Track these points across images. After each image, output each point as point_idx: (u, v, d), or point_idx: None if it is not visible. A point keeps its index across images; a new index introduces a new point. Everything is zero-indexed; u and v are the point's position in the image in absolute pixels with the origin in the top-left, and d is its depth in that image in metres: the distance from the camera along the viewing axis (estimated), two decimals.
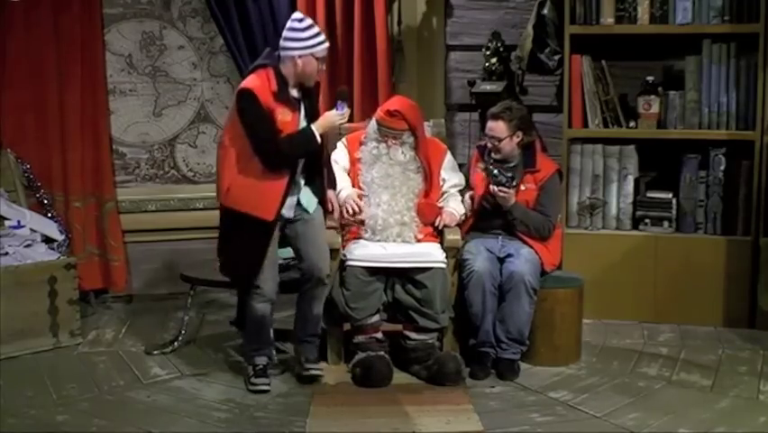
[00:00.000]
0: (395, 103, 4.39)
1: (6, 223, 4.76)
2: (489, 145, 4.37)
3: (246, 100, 3.91)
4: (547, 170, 4.41)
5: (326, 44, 4.01)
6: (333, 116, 4.04)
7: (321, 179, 4.19)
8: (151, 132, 5.49)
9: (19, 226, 4.75)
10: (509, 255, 4.27)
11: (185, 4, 5.41)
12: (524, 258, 4.24)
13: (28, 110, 5.05)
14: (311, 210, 4.13)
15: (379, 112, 4.35)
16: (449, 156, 4.54)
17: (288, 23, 3.99)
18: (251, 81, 3.95)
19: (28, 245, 4.69)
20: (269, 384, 4.07)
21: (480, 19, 5.28)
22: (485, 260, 4.23)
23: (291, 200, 4.06)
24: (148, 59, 5.42)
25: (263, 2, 5.11)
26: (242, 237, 4.01)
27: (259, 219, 3.95)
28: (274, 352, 4.22)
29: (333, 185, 4.31)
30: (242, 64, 5.17)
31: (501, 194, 4.25)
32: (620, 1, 4.79)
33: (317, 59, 3.96)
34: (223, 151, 4.03)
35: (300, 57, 3.92)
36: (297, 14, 4.05)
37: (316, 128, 3.98)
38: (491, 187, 4.28)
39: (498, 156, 4.37)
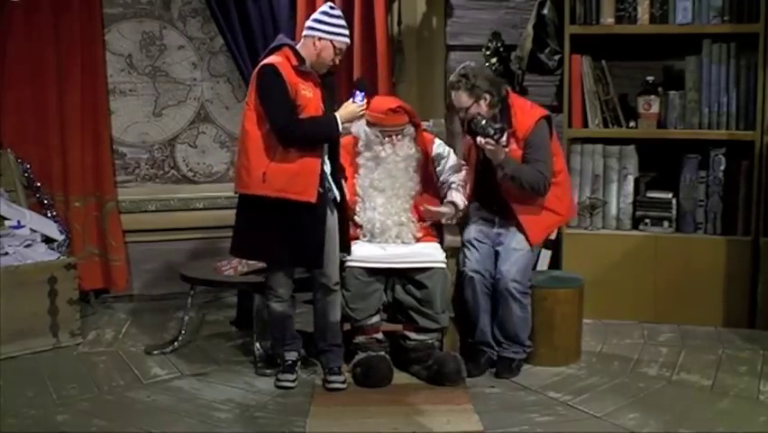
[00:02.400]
0: (387, 102, 4.38)
1: (6, 223, 4.75)
2: (461, 116, 4.21)
3: (268, 75, 3.89)
4: (527, 125, 4.17)
5: (347, 39, 4.02)
6: (353, 107, 3.99)
7: (341, 173, 4.17)
8: (151, 132, 5.49)
9: (19, 226, 4.75)
10: (501, 246, 4.21)
11: (185, 4, 5.41)
12: (512, 259, 4.18)
13: (28, 110, 5.05)
14: (338, 198, 4.07)
15: (375, 114, 4.28)
16: (437, 142, 4.53)
17: (321, 8, 4.05)
18: (270, 59, 3.96)
19: (28, 245, 4.69)
20: (294, 381, 4.09)
21: (480, 19, 5.27)
22: (478, 260, 4.20)
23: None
24: (148, 59, 5.42)
25: (263, 2, 5.11)
26: (281, 223, 3.94)
27: (300, 203, 3.90)
28: (301, 346, 4.23)
29: None
30: (242, 64, 5.17)
31: (489, 147, 4.03)
32: (620, 1, 4.79)
33: (335, 47, 3.97)
34: (247, 137, 3.97)
35: (320, 39, 3.95)
36: (330, 3, 4.09)
37: (340, 118, 3.96)
38: (479, 139, 4.05)
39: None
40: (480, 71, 4.21)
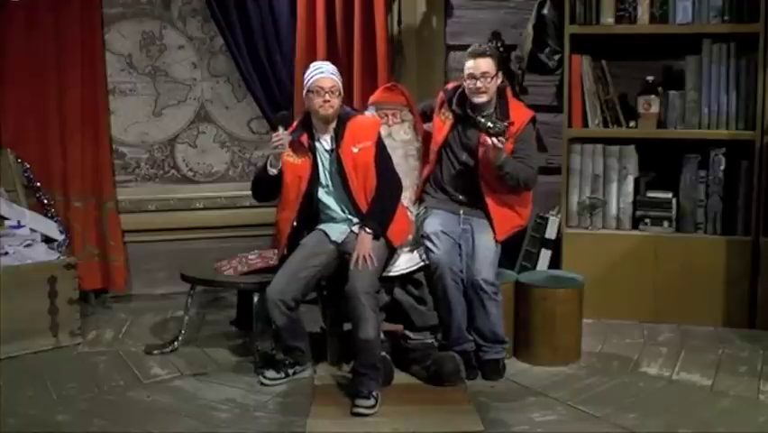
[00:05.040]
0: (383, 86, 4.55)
1: (6, 223, 4.75)
2: (473, 86, 4.18)
3: None
4: (521, 120, 4.24)
5: (316, 76, 4.06)
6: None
7: (372, 211, 4.07)
8: (151, 132, 5.50)
9: (19, 226, 4.75)
10: (468, 244, 4.17)
11: (185, 4, 5.42)
12: (480, 255, 4.14)
13: (28, 110, 5.05)
14: (332, 237, 4.11)
15: (375, 96, 4.46)
16: None
17: None
18: None
19: (28, 245, 4.69)
20: (274, 380, 4.09)
21: (480, 19, 5.27)
22: (445, 253, 4.12)
23: (337, 227, 4.13)
24: (148, 59, 5.42)
25: (263, 2, 5.12)
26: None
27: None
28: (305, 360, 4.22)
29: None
30: (241, 64, 5.18)
31: (500, 145, 4.01)
32: (620, 1, 4.78)
33: (311, 92, 4.05)
34: None
35: (305, 96, 4.11)
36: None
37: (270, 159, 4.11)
38: (489, 140, 4.00)
39: (480, 99, 4.19)
40: (497, 49, 4.35)
